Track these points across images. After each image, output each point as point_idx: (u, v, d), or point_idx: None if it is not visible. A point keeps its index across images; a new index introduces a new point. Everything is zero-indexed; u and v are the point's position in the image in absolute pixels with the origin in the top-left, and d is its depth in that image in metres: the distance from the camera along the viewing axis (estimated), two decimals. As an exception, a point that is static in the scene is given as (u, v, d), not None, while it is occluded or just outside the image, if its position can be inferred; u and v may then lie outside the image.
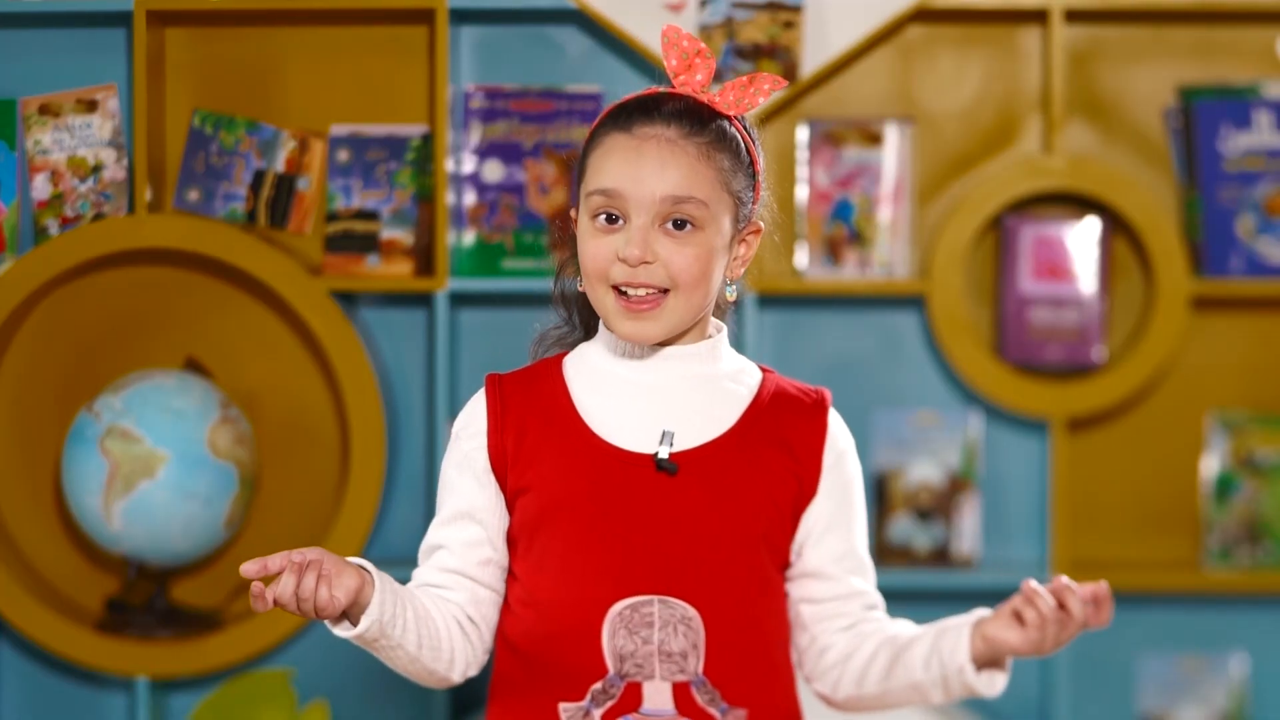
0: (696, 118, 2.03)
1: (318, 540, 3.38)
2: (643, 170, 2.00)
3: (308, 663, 3.45)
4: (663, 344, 2.07)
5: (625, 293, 2.02)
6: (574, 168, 2.10)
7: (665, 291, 2.02)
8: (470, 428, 2.09)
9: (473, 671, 2.10)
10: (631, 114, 2.03)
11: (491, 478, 2.07)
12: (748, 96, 2.05)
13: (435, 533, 2.10)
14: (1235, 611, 3.50)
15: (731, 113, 2.05)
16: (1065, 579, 2.01)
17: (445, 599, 2.08)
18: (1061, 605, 2.01)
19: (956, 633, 2.07)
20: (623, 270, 2.01)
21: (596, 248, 2.02)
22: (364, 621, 1.97)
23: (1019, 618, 2.01)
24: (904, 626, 2.13)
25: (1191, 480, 3.50)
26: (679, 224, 2.01)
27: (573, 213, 2.10)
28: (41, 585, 3.40)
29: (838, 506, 2.10)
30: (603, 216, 2.02)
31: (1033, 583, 2.01)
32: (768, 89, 2.05)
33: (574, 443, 2.04)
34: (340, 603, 1.94)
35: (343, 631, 1.99)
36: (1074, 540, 3.45)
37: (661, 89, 2.06)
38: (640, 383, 2.06)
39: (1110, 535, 3.51)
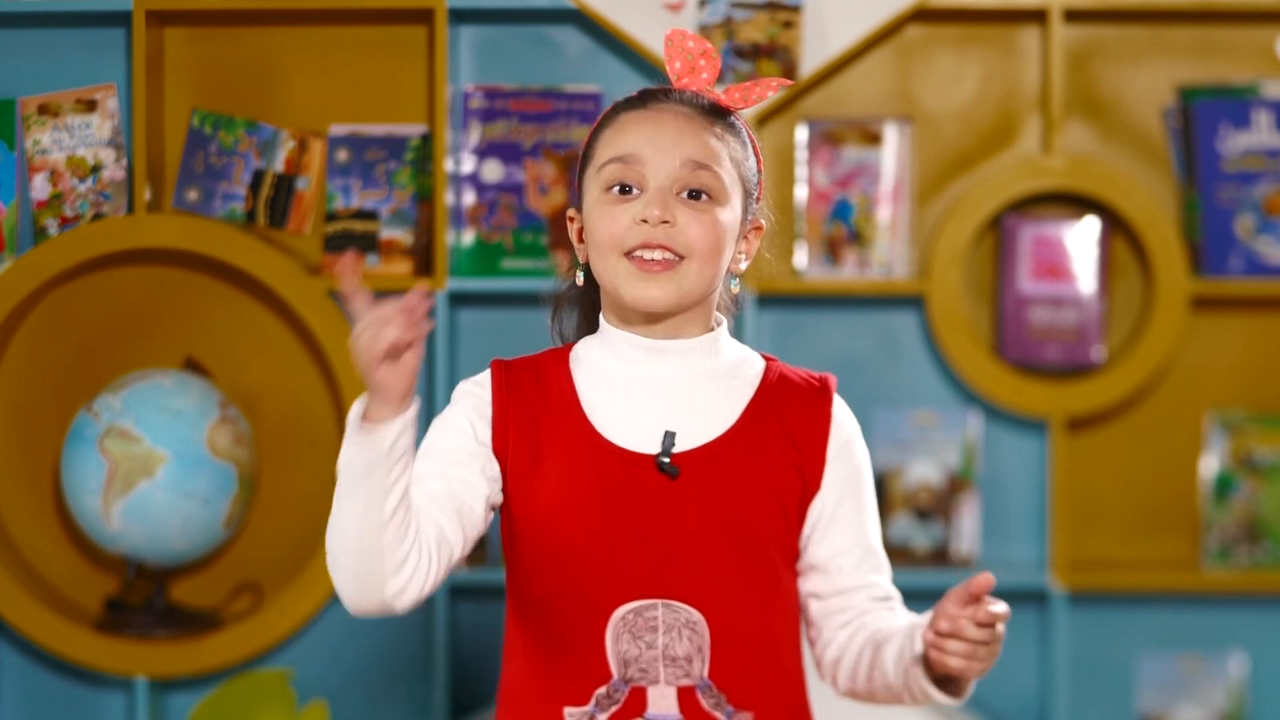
0: (708, 105, 2.05)
1: (316, 540, 3.37)
2: (661, 137, 2.01)
3: (307, 663, 3.45)
4: (664, 338, 2.06)
5: (640, 257, 2.01)
6: (576, 165, 2.09)
7: (680, 258, 2.01)
8: (473, 403, 2.04)
9: (408, 597, 1.93)
10: (643, 96, 2.05)
11: (491, 460, 2.02)
12: (755, 92, 2.06)
13: (422, 465, 1.99)
14: (1234, 611, 3.50)
15: (737, 107, 2.06)
16: (987, 608, 1.92)
17: (426, 519, 1.97)
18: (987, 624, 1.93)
19: (914, 635, 2.01)
20: (641, 231, 2.00)
21: (612, 216, 2.01)
22: (397, 423, 1.86)
23: (943, 651, 1.94)
24: (893, 622, 2.08)
25: (1190, 480, 3.50)
26: (695, 194, 2.01)
27: (571, 213, 2.10)
28: (41, 585, 3.40)
29: (843, 498, 2.08)
30: (616, 188, 2.02)
31: (943, 623, 1.92)
32: (775, 85, 2.06)
33: (579, 443, 2.02)
34: (394, 361, 1.84)
35: (370, 424, 1.87)
36: (1073, 540, 3.45)
37: (666, 86, 2.08)
38: (643, 379, 2.05)
39: (1110, 535, 3.51)
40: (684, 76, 2.06)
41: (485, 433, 2.04)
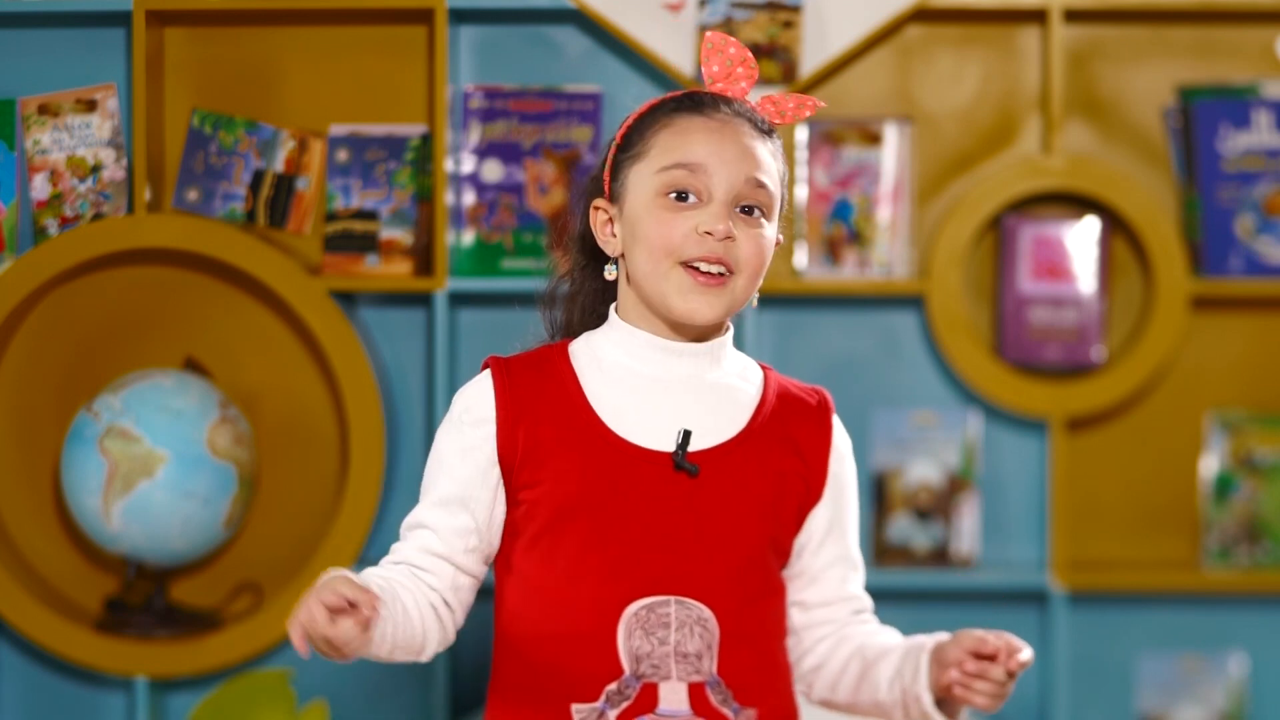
0: (759, 119, 2.07)
1: (316, 540, 3.38)
2: (727, 150, 2.02)
3: (307, 663, 3.44)
4: (675, 340, 2.06)
5: (696, 268, 2.01)
6: (610, 154, 2.08)
7: (730, 273, 2.02)
8: (474, 413, 2.07)
9: (440, 649, 2.09)
10: (700, 101, 2.05)
11: (497, 470, 2.05)
12: (794, 110, 2.08)
13: (425, 513, 2.08)
14: (1234, 611, 3.50)
15: (774, 123, 2.08)
16: (1013, 652, 2.01)
17: (425, 583, 2.06)
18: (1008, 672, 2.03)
19: (918, 657, 2.08)
20: (704, 244, 2.00)
21: (669, 222, 2.01)
22: (357, 647, 1.96)
23: (970, 690, 2.03)
24: (878, 637, 2.15)
25: (1190, 480, 3.50)
26: (748, 209, 2.02)
27: (599, 203, 2.09)
28: (41, 585, 3.40)
29: (839, 511, 2.13)
30: (674, 194, 2.02)
31: (970, 665, 2.01)
32: (810, 105, 2.08)
33: (590, 439, 2.03)
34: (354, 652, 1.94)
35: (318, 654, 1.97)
36: (1073, 540, 3.45)
37: (714, 93, 2.08)
38: (653, 379, 2.06)
39: (1110, 535, 3.51)
40: (719, 81, 2.07)
41: (489, 452, 2.05)
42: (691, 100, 2.06)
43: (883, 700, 2.10)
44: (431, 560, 2.07)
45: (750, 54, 2.07)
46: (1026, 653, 2.01)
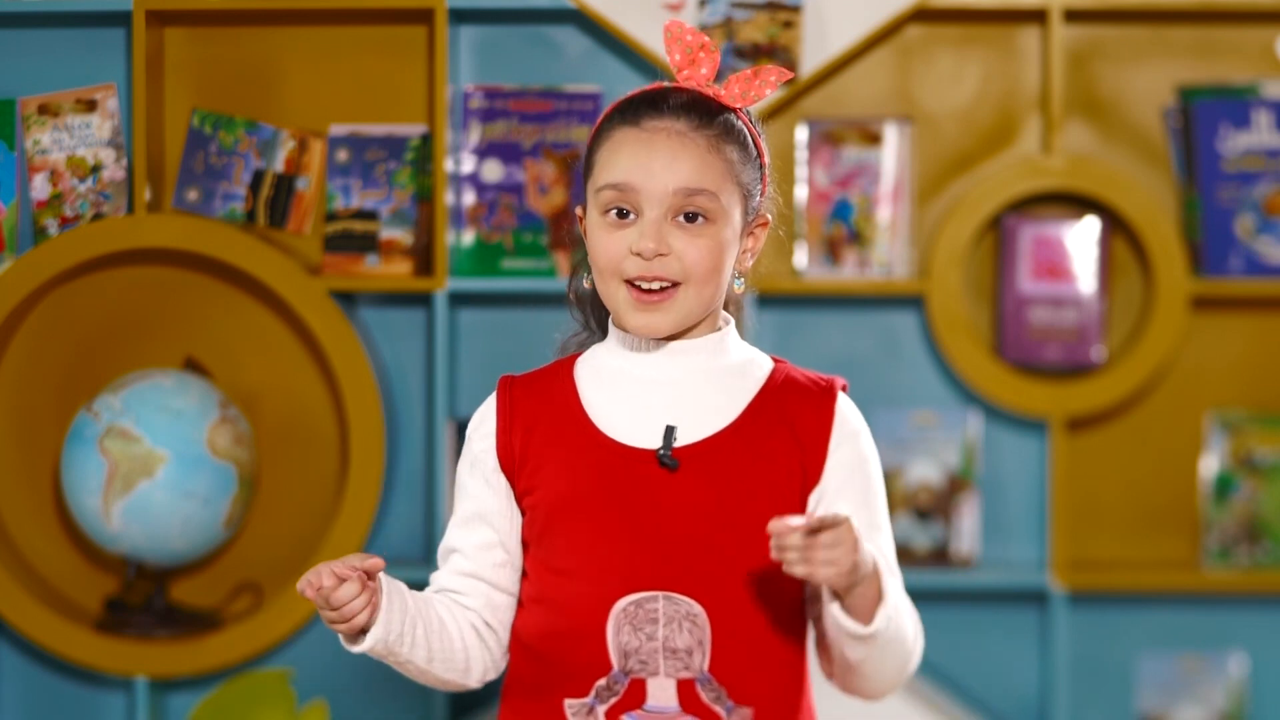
0: (704, 110, 2.03)
1: (316, 540, 3.38)
2: (654, 163, 2.01)
3: (307, 663, 3.45)
4: (671, 338, 2.07)
5: (638, 286, 2.02)
6: (580, 165, 2.10)
7: (677, 285, 2.02)
8: (480, 429, 2.11)
9: (491, 676, 2.12)
10: (638, 108, 2.04)
11: (501, 478, 2.08)
12: (754, 88, 2.06)
13: (451, 535, 2.12)
14: (1234, 611, 3.50)
15: (737, 105, 2.06)
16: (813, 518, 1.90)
17: (462, 605, 2.09)
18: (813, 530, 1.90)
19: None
20: (637, 264, 2.01)
21: (609, 243, 2.02)
22: (367, 640, 2.00)
23: (787, 562, 1.90)
24: None
25: (1190, 480, 3.50)
26: (690, 217, 2.02)
27: (579, 210, 2.10)
28: (41, 585, 3.40)
29: (843, 487, 2.06)
30: (614, 212, 2.02)
31: (773, 525, 1.89)
32: (774, 80, 2.06)
33: (580, 440, 2.04)
34: (362, 621, 1.99)
35: (350, 646, 2.02)
36: (1073, 540, 3.45)
37: (666, 84, 2.07)
38: (647, 377, 2.06)
39: (1110, 535, 3.51)
40: (684, 69, 2.06)
41: (492, 461, 2.09)
42: (632, 108, 2.04)
43: (833, 638, 1.99)
44: (463, 581, 2.10)
45: (707, 38, 2.06)
46: (822, 516, 1.89)
